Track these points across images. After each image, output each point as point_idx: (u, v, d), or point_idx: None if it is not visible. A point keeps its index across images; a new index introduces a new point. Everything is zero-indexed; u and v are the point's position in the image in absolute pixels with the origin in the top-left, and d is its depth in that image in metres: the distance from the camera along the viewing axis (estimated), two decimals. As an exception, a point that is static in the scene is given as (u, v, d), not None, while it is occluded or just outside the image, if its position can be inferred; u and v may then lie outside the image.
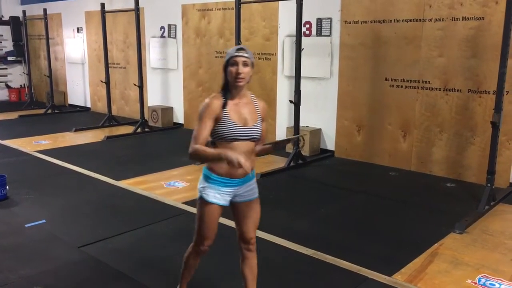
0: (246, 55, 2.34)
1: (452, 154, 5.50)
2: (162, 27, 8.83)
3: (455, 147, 5.47)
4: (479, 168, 5.23)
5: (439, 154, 5.60)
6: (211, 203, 2.40)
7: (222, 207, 2.44)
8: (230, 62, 2.34)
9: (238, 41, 6.38)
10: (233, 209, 2.53)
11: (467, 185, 5.26)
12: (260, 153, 2.53)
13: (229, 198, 2.44)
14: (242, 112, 2.38)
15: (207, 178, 2.42)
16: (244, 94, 2.43)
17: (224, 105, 2.35)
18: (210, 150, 2.29)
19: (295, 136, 2.69)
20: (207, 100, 2.37)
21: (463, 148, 5.40)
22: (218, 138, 2.36)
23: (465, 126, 5.37)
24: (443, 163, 5.58)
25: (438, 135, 5.58)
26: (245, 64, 2.34)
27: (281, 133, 7.15)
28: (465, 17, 5.21)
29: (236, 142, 2.35)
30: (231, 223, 2.60)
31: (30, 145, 7.19)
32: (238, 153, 2.19)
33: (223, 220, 3.92)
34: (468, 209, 4.43)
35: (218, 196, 2.40)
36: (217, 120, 2.33)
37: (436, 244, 3.69)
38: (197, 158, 2.37)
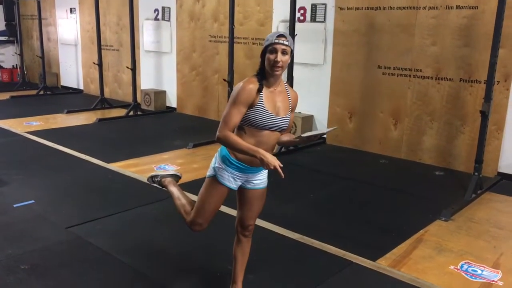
0: (286, 42, 2.25)
1: (442, 143, 5.53)
2: (156, 10, 8.75)
3: (445, 136, 5.50)
4: (468, 157, 5.27)
5: (429, 143, 5.63)
6: (223, 185, 2.39)
7: (229, 191, 2.44)
8: (269, 49, 2.24)
9: (232, 25, 6.34)
10: (240, 193, 2.52)
11: (456, 173, 5.31)
12: (287, 144, 2.51)
13: (240, 183, 2.44)
14: (276, 101, 2.32)
15: (225, 160, 2.36)
16: (279, 83, 2.37)
17: (259, 92, 2.26)
18: (245, 144, 2.23)
19: (330, 129, 2.57)
20: (242, 84, 2.26)
21: (453, 137, 5.44)
22: (248, 124, 2.29)
23: (455, 115, 5.39)
24: (433, 152, 5.62)
25: (429, 123, 5.61)
26: (284, 52, 2.24)
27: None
28: (458, 5, 5.20)
29: (266, 131, 2.30)
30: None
31: (21, 126, 7.15)
32: (274, 158, 2.18)
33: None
34: (455, 197, 4.47)
35: (232, 180, 2.39)
36: (251, 106, 2.26)
37: (421, 231, 3.73)
38: (226, 145, 2.30)
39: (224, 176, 2.37)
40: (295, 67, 5.93)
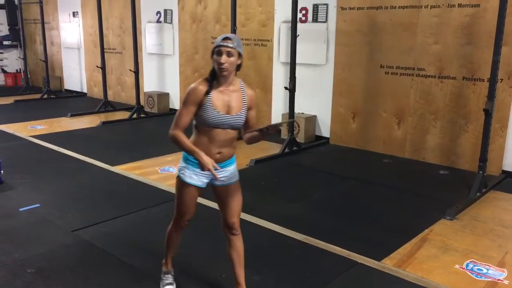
0: (231, 45, 2.32)
1: (445, 142, 5.52)
2: (158, 12, 8.77)
3: (448, 135, 5.49)
4: (472, 155, 5.26)
5: (433, 142, 5.62)
6: (187, 183, 2.46)
7: (199, 188, 2.49)
8: (216, 51, 2.33)
9: (234, 26, 6.35)
10: (214, 193, 2.59)
11: (460, 172, 5.29)
12: (250, 141, 2.53)
13: (206, 180, 2.49)
14: (226, 100, 2.39)
15: (186, 159, 2.46)
16: (231, 82, 2.43)
17: (208, 92, 2.36)
18: (188, 144, 2.36)
19: (286, 121, 2.63)
20: (192, 85, 2.39)
21: (457, 135, 5.43)
22: (200, 122, 2.40)
23: (459, 113, 5.38)
24: (437, 151, 5.61)
25: (432, 122, 5.60)
26: (229, 54, 2.31)
27: (276, 120, 7.16)
28: (460, 4, 5.19)
29: (217, 129, 2.38)
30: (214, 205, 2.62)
31: (25, 130, 7.19)
32: (209, 160, 2.30)
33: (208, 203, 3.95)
34: (459, 196, 4.47)
35: (195, 177, 2.45)
36: (200, 105, 2.35)
37: (426, 230, 3.73)
38: (175, 143, 2.41)
39: (186, 174, 2.46)
40: (297, 68, 5.93)
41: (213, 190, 2.57)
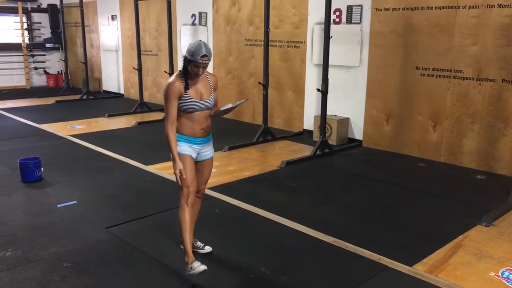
0: (207, 61, 2.85)
1: (483, 146, 5.35)
2: (193, 15, 8.91)
3: (487, 139, 5.32)
4: (511, 160, 5.08)
5: (470, 146, 5.46)
6: (185, 155, 2.97)
7: (192, 158, 3.02)
8: (193, 63, 2.83)
9: (267, 28, 6.38)
10: (196, 166, 3.10)
11: (498, 177, 5.12)
12: (215, 116, 3.15)
13: (195, 154, 3.05)
14: (198, 88, 2.97)
15: (179, 139, 2.98)
16: None
17: (186, 87, 2.90)
18: (173, 147, 2.90)
19: (242, 101, 3.24)
20: (171, 81, 2.91)
21: (495, 139, 5.25)
22: (182, 110, 2.94)
23: (498, 117, 5.21)
24: (474, 155, 5.44)
25: (470, 126, 5.44)
26: (204, 67, 2.89)
27: (308, 122, 7.14)
28: (500, 4, 5.03)
29: (196, 112, 2.97)
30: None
31: (65, 129, 7.45)
32: (177, 167, 2.89)
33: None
34: (497, 201, 4.32)
35: (189, 149, 3.00)
36: (180, 97, 2.91)
37: (461, 236, 3.63)
38: (167, 141, 2.92)
39: (183, 148, 2.98)
40: (330, 69, 5.89)
41: (195, 163, 3.09)
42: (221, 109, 3.12)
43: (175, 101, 2.90)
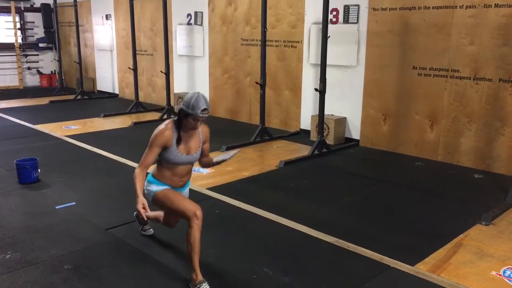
0: (207, 115, 2.77)
1: (480, 145, 5.39)
2: (188, 14, 8.88)
3: (484, 138, 5.35)
4: (509, 159, 5.12)
5: (467, 145, 5.49)
6: (165, 188, 2.94)
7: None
8: (193, 117, 2.74)
9: (264, 28, 6.37)
10: None
11: (496, 176, 5.15)
12: (204, 166, 3.18)
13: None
14: (188, 142, 2.89)
15: (157, 183, 2.96)
16: None
17: (175, 137, 2.82)
18: (137, 185, 2.77)
19: (235, 153, 3.13)
20: (161, 129, 2.81)
21: (493, 138, 5.29)
22: (165, 161, 2.89)
23: (495, 116, 5.24)
24: (471, 154, 5.47)
25: (467, 125, 5.47)
26: (203, 120, 2.82)
27: (305, 121, 7.14)
28: (497, 4, 5.05)
29: (179, 166, 2.91)
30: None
31: (60, 129, 7.39)
32: (139, 203, 2.72)
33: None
34: (496, 200, 4.35)
35: (162, 186, 2.96)
36: (166, 147, 2.82)
37: (461, 235, 3.64)
38: (133, 179, 2.83)
39: (155, 188, 2.95)
40: (328, 69, 5.89)
41: None
42: (214, 160, 3.04)
43: (157, 150, 2.82)
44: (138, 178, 2.81)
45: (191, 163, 2.98)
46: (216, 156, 3.09)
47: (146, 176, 2.97)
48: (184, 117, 2.78)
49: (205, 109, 2.73)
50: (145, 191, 3.03)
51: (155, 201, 3.01)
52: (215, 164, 3.10)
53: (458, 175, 5.27)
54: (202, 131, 2.99)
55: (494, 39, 5.14)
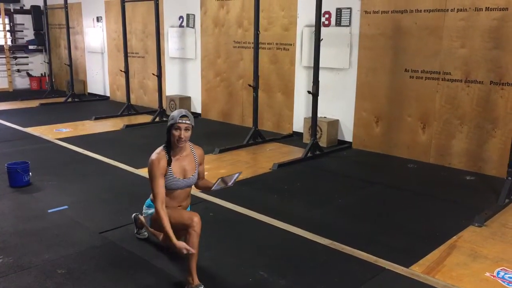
0: (188, 122, 2.79)
1: (472, 147, 5.43)
2: (180, 17, 8.86)
3: (475, 140, 5.40)
4: (500, 161, 5.17)
5: (459, 147, 5.54)
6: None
7: None
8: (174, 127, 2.77)
9: (256, 30, 6.37)
10: None
11: (487, 178, 5.20)
12: (201, 189, 3.19)
13: None
14: (182, 165, 2.91)
15: (150, 208, 3.03)
16: (184, 148, 2.93)
17: (168, 163, 2.83)
18: (168, 228, 2.69)
19: (235, 176, 3.08)
20: (154, 158, 2.82)
21: (484, 140, 5.34)
22: None
23: (486, 118, 5.29)
24: (463, 156, 5.52)
25: (458, 127, 5.52)
26: (186, 129, 2.81)
27: (298, 124, 7.15)
28: (488, 7, 5.11)
29: (177, 190, 2.93)
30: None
31: (51, 132, 7.32)
32: (183, 245, 2.66)
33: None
34: (487, 202, 4.39)
35: None
36: (164, 175, 2.84)
37: (454, 237, 3.67)
38: (158, 221, 2.77)
39: (150, 212, 3.01)
40: (320, 72, 5.91)
41: None
42: (213, 188, 2.97)
43: (162, 179, 2.81)
44: (165, 219, 2.72)
45: (189, 187, 3.00)
46: (216, 181, 2.96)
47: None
48: (169, 132, 2.83)
49: (184, 116, 2.78)
50: (143, 214, 3.16)
51: (153, 223, 3.03)
52: (214, 190, 3.04)
53: (450, 177, 5.31)
54: (197, 153, 3.03)
55: (485, 42, 5.20)
